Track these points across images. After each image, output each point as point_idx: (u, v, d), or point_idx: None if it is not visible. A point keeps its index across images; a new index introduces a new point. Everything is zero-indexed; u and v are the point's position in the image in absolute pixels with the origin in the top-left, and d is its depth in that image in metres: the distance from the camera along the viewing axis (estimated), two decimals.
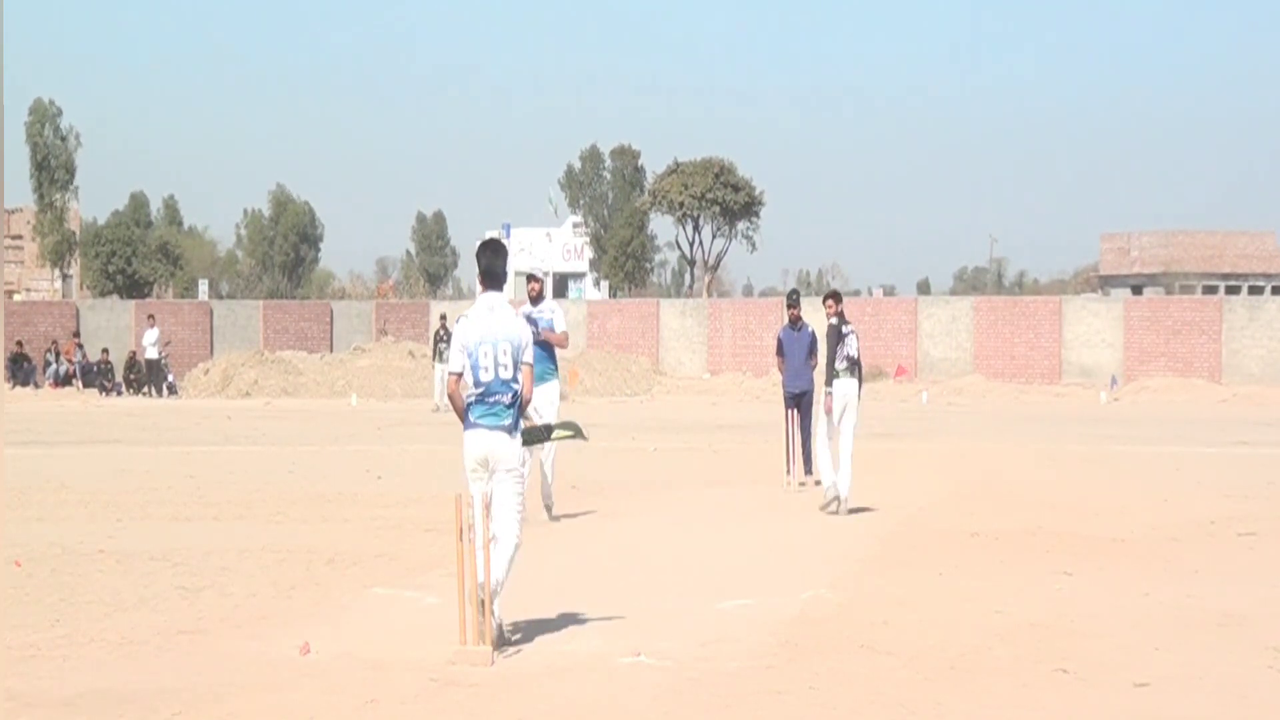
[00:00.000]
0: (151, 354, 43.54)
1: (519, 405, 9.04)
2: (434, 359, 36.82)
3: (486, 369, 8.99)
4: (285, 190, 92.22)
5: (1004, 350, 45.75)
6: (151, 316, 45.84)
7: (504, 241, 9.80)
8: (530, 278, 15.67)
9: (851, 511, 15.70)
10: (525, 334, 9.13)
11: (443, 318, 38.33)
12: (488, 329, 9.05)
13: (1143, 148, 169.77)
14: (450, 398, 9.19)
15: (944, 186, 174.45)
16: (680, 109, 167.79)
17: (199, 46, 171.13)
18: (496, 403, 9.00)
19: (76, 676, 8.26)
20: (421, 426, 29.33)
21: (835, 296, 16.58)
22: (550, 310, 15.32)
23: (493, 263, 9.18)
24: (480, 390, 9.01)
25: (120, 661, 8.65)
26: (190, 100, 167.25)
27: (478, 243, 9.40)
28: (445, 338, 35.79)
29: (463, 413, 9.06)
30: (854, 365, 16.23)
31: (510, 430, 9.00)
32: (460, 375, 9.12)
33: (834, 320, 16.14)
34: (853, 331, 16.35)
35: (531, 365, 9.14)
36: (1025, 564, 12.30)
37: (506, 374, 8.99)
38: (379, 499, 16.68)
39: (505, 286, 9.20)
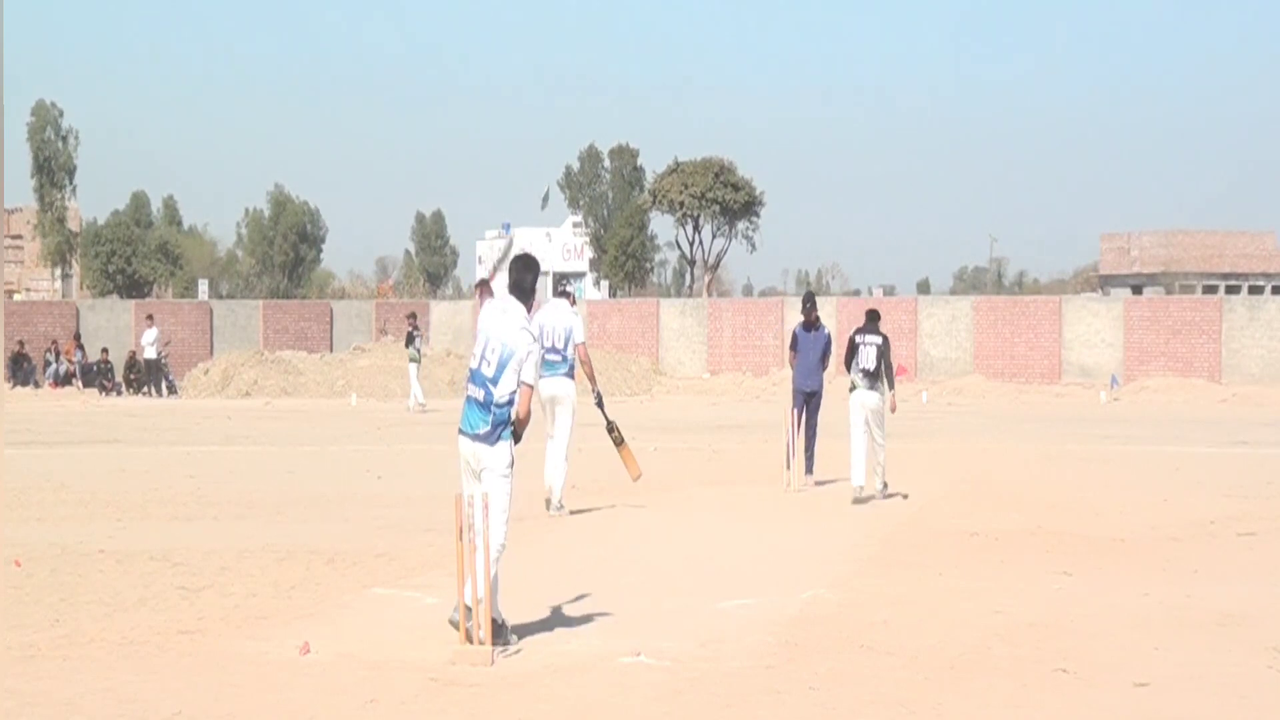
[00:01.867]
0: (150, 354, 43.55)
1: (496, 411, 9.02)
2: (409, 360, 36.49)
3: (476, 357, 9.20)
4: (284, 190, 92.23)
5: (1004, 350, 45.74)
6: (150, 316, 45.81)
7: (535, 258, 9.78)
8: (562, 292, 16.10)
9: (886, 497, 16.78)
10: (522, 349, 9.09)
11: (411, 316, 38.22)
12: (494, 325, 9.23)
13: (1143, 148, 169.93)
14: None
15: (944, 186, 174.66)
16: (680, 109, 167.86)
17: (199, 46, 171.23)
18: (472, 400, 9.11)
19: (77, 676, 8.27)
20: (421, 426, 29.33)
21: (873, 314, 17.39)
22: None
23: (521, 277, 9.38)
24: (468, 376, 9.24)
25: (120, 661, 8.66)
26: (190, 100, 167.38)
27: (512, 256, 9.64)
28: (415, 337, 35.69)
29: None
30: (871, 376, 16.75)
31: (489, 440, 9.03)
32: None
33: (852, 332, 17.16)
34: (873, 343, 16.80)
35: (530, 386, 9.13)
36: (1025, 564, 12.30)
37: (489, 370, 9.10)
38: (379, 499, 16.69)
39: (532, 300, 9.39)
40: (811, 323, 18.47)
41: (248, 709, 7.66)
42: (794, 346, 18.61)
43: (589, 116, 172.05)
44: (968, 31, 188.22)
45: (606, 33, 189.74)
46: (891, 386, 17.09)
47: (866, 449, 16.71)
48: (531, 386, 9.15)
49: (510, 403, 9.07)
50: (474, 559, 8.76)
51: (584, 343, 15.63)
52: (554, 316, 15.38)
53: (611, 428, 16.05)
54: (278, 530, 14.12)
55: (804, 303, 18.96)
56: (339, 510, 15.72)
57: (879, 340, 16.90)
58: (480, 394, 9.10)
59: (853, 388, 16.92)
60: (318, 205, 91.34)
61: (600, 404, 16.04)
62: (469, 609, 8.70)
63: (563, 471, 15.33)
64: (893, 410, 17.19)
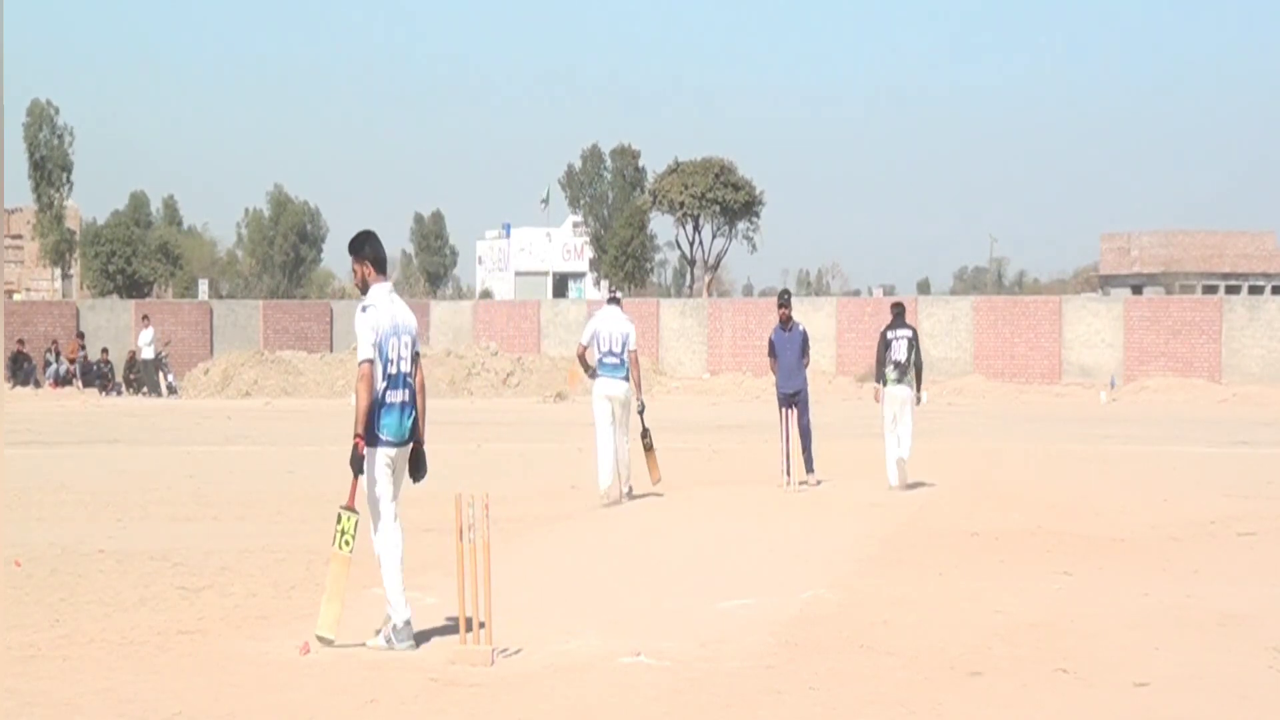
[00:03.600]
0: (147, 354, 43.60)
1: (415, 404, 9.03)
2: None
3: (392, 361, 9.06)
4: (283, 190, 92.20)
5: (1004, 350, 45.74)
6: (145, 317, 45.79)
7: (370, 231, 9.55)
8: (613, 299, 17.18)
9: (909, 487, 17.56)
10: (415, 323, 9.25)
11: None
12: (395, 319, 9.11)
13: (1143, 147, 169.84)
14: (361, 387, 9.00)
15: (944, 186, 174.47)
16: (680, 109, 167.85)
17: (198, 46, 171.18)
18: (398, 406, 9.03)
19: (76, 676, 8.26)
20: None
21: (899, 308, 18.52)
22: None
23: (379, 250, 9.22)
24: (385, 384, 9.01)
25: (120, 662, 8.65)
26: (190, 100, 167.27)
27: (356, 235, 9.23)
28: None
29: (368, 409, 8.98)
30: (902, 369, 17.72)
31: (417, 435, 9.07)
32: (373, 363, 9.00)
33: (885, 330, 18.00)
34: (904, 337, 17.80)
35: (419, 355, 9.23)
36: (1025, 564, 12.30)
37: (406, 367, 9.11)
38: None
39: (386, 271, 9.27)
40: (785, 321, 18.43)
41: (248, 709, 7.66)
42: (772, 352, 18.56)
43: (589, 117, 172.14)
44: (967, 31, 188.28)
45: (607, 33, 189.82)
46: (919, 383, 17.99)
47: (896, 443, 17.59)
48: (418, 355, 9.22)
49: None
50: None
51: (635, 349, 16.62)
52: (610, 323, 16.52)
53: (645, 434, 17.04)
54: (278, 530, 14.13)
55: (779, 297, 18.95)
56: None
57: (910, 334, 17.92)
58: (404, 395, 9.06)
59: (884, 382, 17.75)
60: (317, 205, 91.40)
61: (642, 411, 16.96)
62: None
63: (627, 460, 16.50)
64: (917, 402, 17.98)
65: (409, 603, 9.08)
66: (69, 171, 70.40)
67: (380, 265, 9.23)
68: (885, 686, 8.14)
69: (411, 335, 9.18)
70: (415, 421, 9.15)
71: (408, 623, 9.01)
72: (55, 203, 70.53)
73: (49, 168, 69.80)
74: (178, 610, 10.17)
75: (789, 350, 18.29)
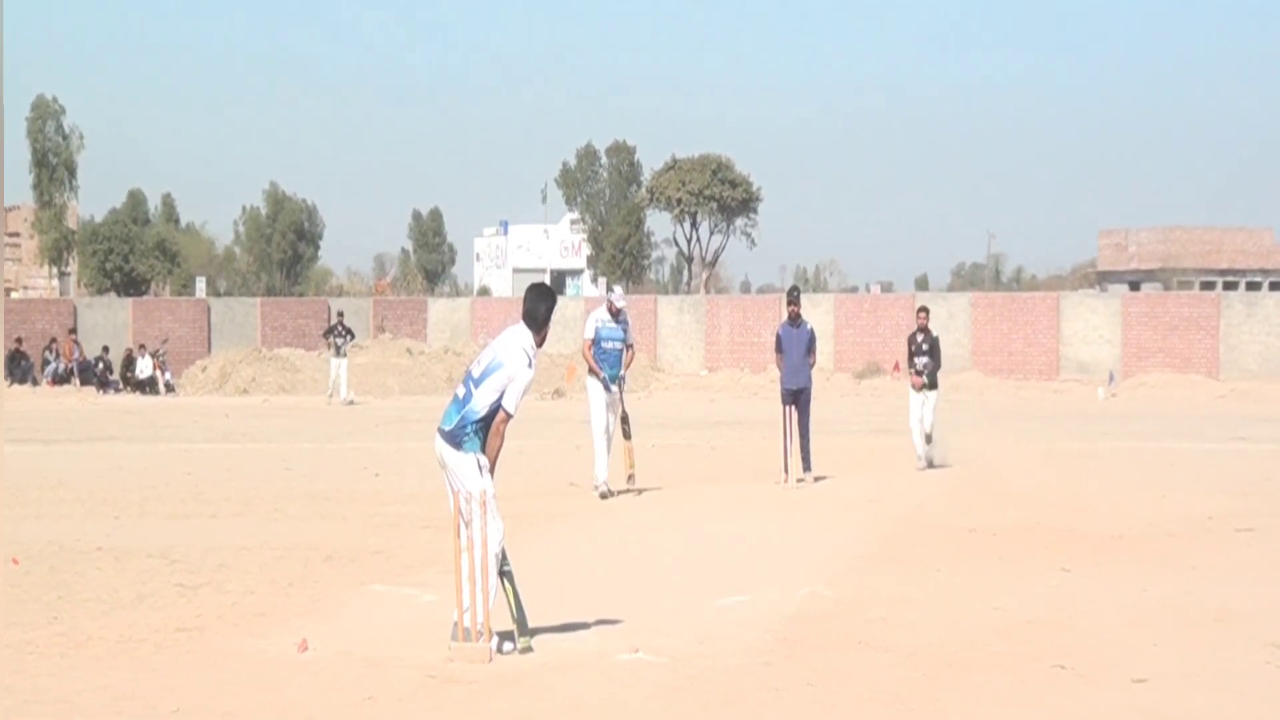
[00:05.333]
0: (147, 371, 44.21)
1: (467, 413, 8.81)
2: (330, 353, 38.24)
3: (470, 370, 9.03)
4: (280, 188, 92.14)
5: (1002, 346, 45.73)
6: (143, 346, 46.00)
7: (550, 289, 9.36)
8: (609, 303, 17.34)
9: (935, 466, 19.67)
10: (511, 365, 8.80)
11: (340, 314, 39.79)
12: (498, 338, 9.06)
13: (1141, 144, 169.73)
14: (502, 437, 8.89)
15: (942, 182, 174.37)
16: (677, 106, 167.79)
17: (196, 44, 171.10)
18: (454, 396, 8.98)
19: (74, 674, 8.26)
20: (419, 424, 29.30)
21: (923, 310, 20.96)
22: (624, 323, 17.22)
23: (534, 307, 9.06)
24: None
25: (118, 659, 8.65)
26: (187, 98, 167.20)
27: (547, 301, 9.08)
28: (342, 332, 37.35)
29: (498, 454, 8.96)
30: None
31: (453, 440, 8.82)
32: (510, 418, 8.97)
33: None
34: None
35: (508, 414, 8.76)
36: (1023, 560, 12.30)
37: (476, 371, 8.91)
38: (376, 496, 16.69)
39: (544, 331, 9.01)
40: (795, 318, 18.50)
41: (246, 706, 7.65)
42: (779, 348, 18.62)
43: (586, 114, 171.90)
44: (965, 27, 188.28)
45: (603, 30, 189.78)
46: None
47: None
48: (510, 414, 8.78)
49: (484, 418, 8.79)
50: (461, 557, 8.76)
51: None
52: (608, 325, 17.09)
53: (625, 418, 17.19)
54: (275, 527, 14.13)
55: (789, 294, 19.15)
56: (337, 507, 15.72)
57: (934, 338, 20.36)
58: (461, 391, 8.97)
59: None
60: (315, 203, 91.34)
61: (621, 386, 17.26)
62: (465, 629, 8.69)
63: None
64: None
65: (461, 616, 8.80)
66: (74, 174, 70.02)
67: (524, 317, 9.02)
68: (883, 683, 8.14)
69: (495, 354, 8.93)
70: (454, 419, 8.95)
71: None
72: (58, 200, 70.16)
73: (54, 165, 69.42)
74: (175, 607, 10.17)
75: (795, 347, 18.34)
